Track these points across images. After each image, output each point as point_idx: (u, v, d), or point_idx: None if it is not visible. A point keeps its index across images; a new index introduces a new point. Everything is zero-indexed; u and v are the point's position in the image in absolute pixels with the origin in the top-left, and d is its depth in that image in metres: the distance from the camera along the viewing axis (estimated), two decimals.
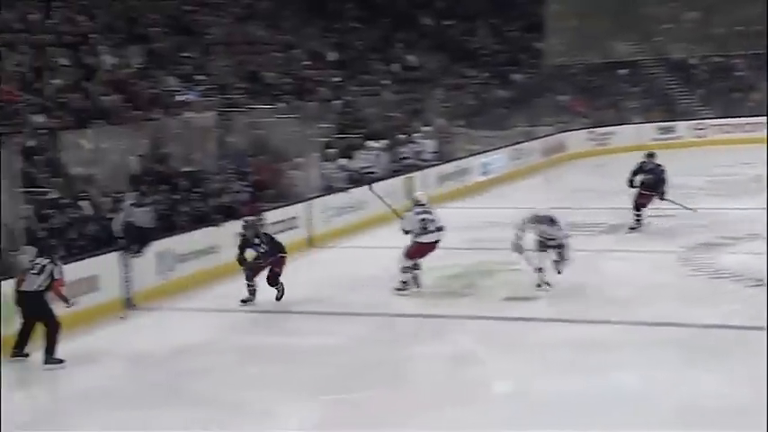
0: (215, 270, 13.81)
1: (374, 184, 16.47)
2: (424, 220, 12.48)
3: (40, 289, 10.11)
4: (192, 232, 13.83)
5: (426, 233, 12.45)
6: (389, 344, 10.87)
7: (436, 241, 12.53)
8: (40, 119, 14.90)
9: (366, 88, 24.39)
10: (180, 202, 14.26)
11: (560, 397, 8.64)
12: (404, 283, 12.43)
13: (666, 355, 9.81)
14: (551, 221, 12.20)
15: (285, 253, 12.35)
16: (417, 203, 12.87)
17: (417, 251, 12.49)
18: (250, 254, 12.30)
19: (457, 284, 13.33)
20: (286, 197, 16.58)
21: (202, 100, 18.64)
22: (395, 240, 17.32)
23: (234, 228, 13.90)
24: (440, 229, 12.53)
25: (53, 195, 12.86)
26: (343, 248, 16.62)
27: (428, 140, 21.95)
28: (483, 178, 23.01)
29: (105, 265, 12.11)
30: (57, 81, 16.33)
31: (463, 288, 13.15)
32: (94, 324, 11.31)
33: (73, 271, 11.50)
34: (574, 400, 8.55)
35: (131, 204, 12.73)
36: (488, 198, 21.10)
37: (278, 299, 12.27)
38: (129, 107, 16.84)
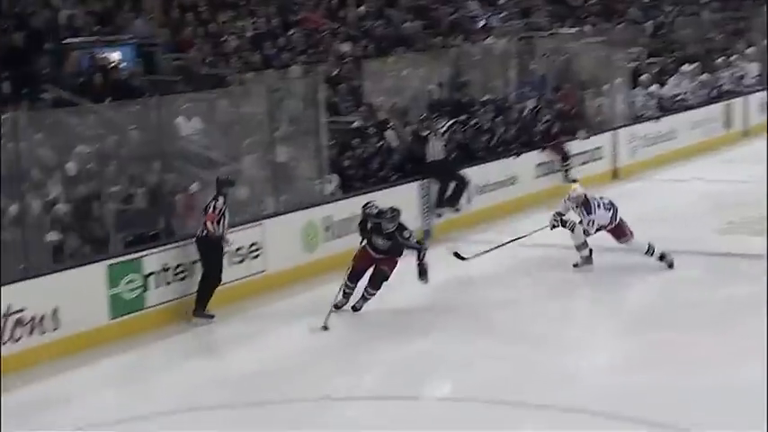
0: (514, 202, 14.12)
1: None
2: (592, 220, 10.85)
3: (204, 234, 9.77)
4: (492, 163, 14.04)
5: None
6: (705, 284, 10.58)
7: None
8: (344, 47, 15.57)
9: (681, 7, 23.33)
10: (479, 131, 14.44)
11: None
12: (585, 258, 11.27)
13: None
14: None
15: (401, 254, 9.98)
16: (578, 202, 10.93)
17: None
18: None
19: None
20: (590, 127, 16.36)
21: (504, 25, 18.67)
22: (709, 173, 16.65)
23: (533, 159, 14.03)
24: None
25: (357, 124, 13.44)
26: (652, 181, 16.29)
27: (752, 63, 20.69)
28: None
29: (406, 196, 12.59)
30: (360, 8, 16.96)
31: None
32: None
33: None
34: None
35: (428, 135, 13.07)
36: None
37: (356, 308, 9.97)
38: (429, 34, 17.20)
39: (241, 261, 10.62)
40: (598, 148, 15.97)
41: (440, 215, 12.97)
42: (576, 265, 11.15)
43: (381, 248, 9.78)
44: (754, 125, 19.77)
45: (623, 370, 8.44)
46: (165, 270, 9.88)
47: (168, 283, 9.91)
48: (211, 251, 9.80)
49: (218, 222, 9.68)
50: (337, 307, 9.74)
